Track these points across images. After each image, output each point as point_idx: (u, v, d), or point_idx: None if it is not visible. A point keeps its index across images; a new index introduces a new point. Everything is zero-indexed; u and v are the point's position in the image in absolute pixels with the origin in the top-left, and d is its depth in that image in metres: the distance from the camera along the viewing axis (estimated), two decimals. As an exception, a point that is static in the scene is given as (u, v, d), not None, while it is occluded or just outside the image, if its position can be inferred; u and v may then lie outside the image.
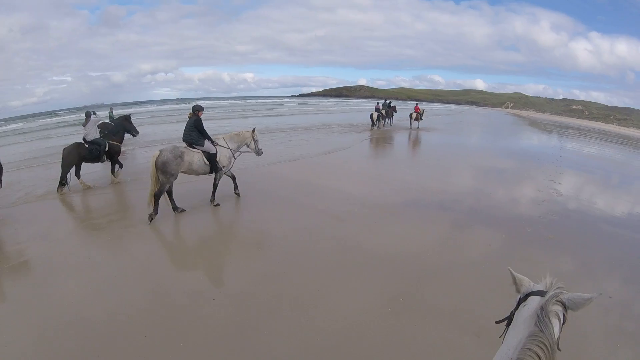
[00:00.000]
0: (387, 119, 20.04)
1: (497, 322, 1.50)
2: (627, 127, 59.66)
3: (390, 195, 7.42)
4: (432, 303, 3.74)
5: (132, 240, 5.08)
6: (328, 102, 54.13)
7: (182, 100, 48.86)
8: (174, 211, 5.93)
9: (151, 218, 5.51)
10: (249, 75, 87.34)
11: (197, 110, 6.06)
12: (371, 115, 18.62)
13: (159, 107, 37.07)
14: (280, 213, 6.15)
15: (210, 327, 3.23)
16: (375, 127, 18.46)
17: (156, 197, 5.55)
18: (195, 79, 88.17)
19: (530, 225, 6.25)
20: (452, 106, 67.55)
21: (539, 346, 1.12)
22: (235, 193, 6.77)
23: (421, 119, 20.06)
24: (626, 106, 68.35)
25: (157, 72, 75.47)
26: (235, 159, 6.62)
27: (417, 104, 21.62)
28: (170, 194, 5.92)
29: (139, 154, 11.19)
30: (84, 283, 3.91)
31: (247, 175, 8.05)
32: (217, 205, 6.33)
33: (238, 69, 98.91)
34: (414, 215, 6.38)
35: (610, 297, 4.02)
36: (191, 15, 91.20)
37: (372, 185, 8.22)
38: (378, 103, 19.80)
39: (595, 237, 6.14)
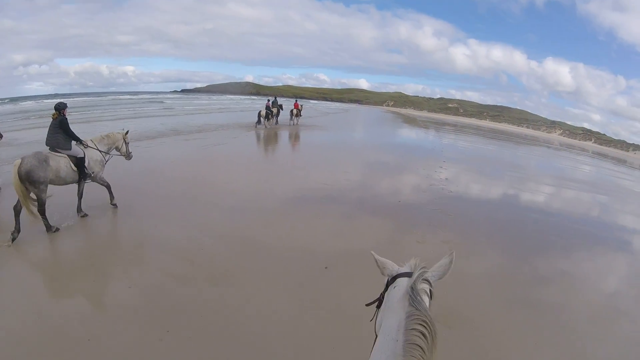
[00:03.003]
0: (274, 117, 20.56)
1: (367, 305, 1.59)
2: (499, 122, 71.15)
3: (278, 193, 7.45)
4: (330, 295, 3.97)
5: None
6: (213, 100, 51.13)
7: (55, 96, 41.09)
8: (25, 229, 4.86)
9: (14, 238, 4.78)
10: (129, 69, 79.59)
11: (61, 108, 5.40)
12: (259, 112, 18.87)
13: (28, 105, 30.08)
14: (168, 218, 5.90)
15: (102, 346, 3.08)
16: (262, 125, 18.67)
17: (41, 213, 4.94)
18: (71, 71, 77.78)
19: (416, 210, 6.82)
20: (343, 105, 71.67)
21: (421, 324, 1.19)
22: (112, 204, 6.11)
23: (300, 115, 21.62)
24: (498, 104, 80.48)
25: (31, 64, 65.68)
26: (106, 162, 6.09)
27: (296, 100, 23.16)
28: (18, 214, 4.87)
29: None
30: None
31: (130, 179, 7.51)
32: (85, 215, 5.73)
33: (118, 62, 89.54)
34: (303, 211, 6.57)
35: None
36: (72, 1, 77.40)
37: (258, 183, 8.15)
38: (269, 101, 20.23)
39: (476, 217, 6.99)
